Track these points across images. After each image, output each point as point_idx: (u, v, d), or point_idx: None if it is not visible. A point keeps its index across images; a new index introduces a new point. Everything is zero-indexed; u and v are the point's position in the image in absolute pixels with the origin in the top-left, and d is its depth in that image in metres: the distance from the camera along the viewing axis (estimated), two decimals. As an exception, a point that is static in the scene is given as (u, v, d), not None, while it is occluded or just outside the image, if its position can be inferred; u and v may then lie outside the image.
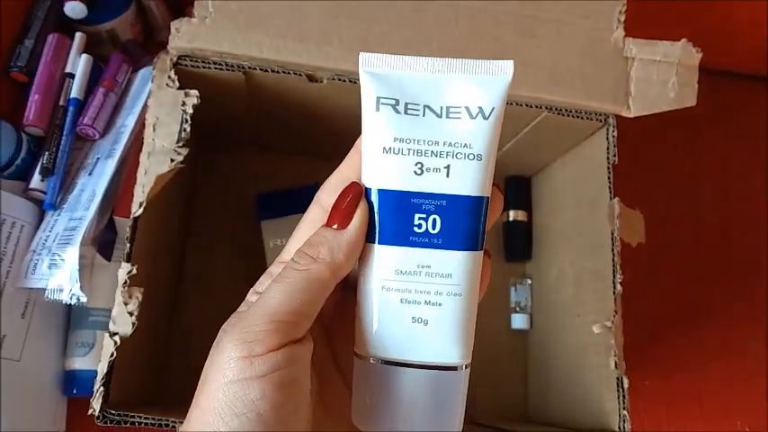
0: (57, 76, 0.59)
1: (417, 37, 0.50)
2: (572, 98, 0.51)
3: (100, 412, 0.42)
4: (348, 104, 0.52)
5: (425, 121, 0.29)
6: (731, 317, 0.74)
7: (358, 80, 0.30)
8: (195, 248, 0.65)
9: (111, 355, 0.42)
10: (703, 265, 0.76)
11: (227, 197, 0.66)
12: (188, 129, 0.46)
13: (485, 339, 0.54)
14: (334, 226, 0.29)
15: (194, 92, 0.47)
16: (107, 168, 0.54)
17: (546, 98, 0.51)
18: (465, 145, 0.29)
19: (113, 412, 0.42)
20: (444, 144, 0.29)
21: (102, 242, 0.54)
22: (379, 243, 0.29)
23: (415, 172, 0.29)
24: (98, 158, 0.56)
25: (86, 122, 0.57)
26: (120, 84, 0.60)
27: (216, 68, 0.49)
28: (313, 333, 0.29)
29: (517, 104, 0.51)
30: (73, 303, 0.50)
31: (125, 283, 0.43)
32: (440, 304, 0.29)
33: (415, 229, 0.29)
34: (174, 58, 0.48)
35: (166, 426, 0.42)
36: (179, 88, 0.47)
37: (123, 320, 0.43)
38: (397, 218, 0.29)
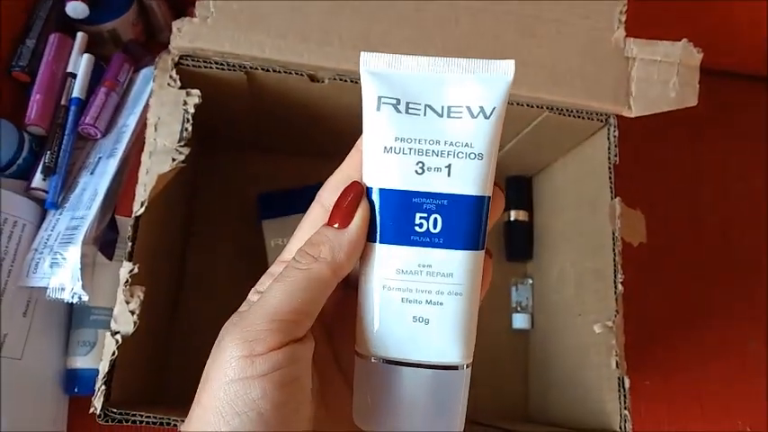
0: (58, 76, 0.59)
1: (418, 36, 0.50)
2: (573, 98, 0.51)
3: (101, 411, 0.42)
4: (349, 104, 0.52)
5: (426, 120, 0.29)
6: (731, 317, 0.74)
7: (359, 80, 0.30)
8: (196, 248, 0.65)
9: (113, 353, 0.42)
10: (703, 265, 0.76)
11: (229, 197, 0.66)
12: (189, 128, 0.46)
13: (486, 339, 0.54)
14: (336, 225, 0.29)
15: (196, 91, 0.47)
16: (109, 168, 0.54)
17: (547, 98, 0.51)
18: (466, 144, 0.29)
19: (115, 411, 0.42)
20: (445, 143, 0.29)
21: (104, 241, 0.54)
22: (381, 242, 0.29)
23: (416, 171, 0.29)
24: (100, 158, 0.56)
25: (88, 122, 0.57)
26: (122, 83, 0.60)
27: (217, 68, 0.49)
28: (314, 332, 0.29)
29: (518, 104, 0.51)
30: (74, 302, 0.50)
31: (126, 281, 0.43)
32: (441, 304, 0.29)
33: (416, 228, 0.29)
34: (176, 58, 0.48)
35: (168, 424, 0.42)
36: (180, 88, 0.47)
37: (125, 319, 0.43)
38: (398, 217, 0.29)
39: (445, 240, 0.29)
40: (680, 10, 0.72)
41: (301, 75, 0.49)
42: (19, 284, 0.52)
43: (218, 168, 0.67)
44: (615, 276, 0.51)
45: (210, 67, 0.49)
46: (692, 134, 0.80)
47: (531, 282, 0.69)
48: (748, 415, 0.72)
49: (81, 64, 0.60)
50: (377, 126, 0.29)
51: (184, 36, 0.47)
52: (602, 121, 0.53)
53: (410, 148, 0.29)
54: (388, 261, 0.29)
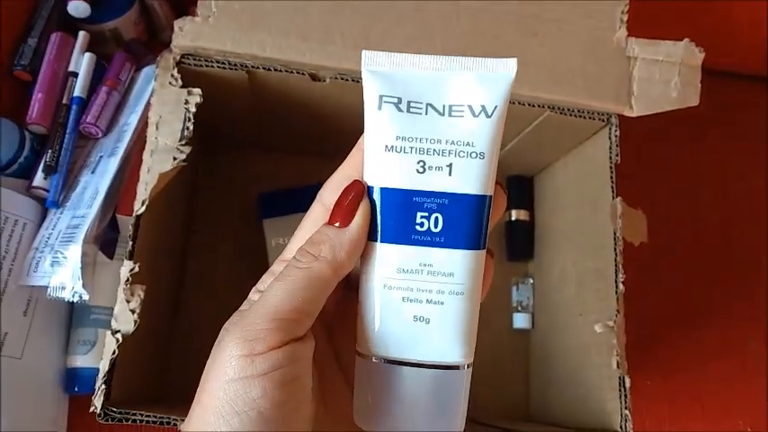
0: (60, 75, 0.59)
1: (419, 35, 0.50)
2: (574, 98, 0.51)
3: (101, 410, 0.42)
4: (351, 103, 0.52)
5: (428, 119, 0.29)
6: (731, 317, 0.74)
7: (360, 79, 0.30)
8: (197, 247, 0.65)
9: (113, 352, 0.42)
10: (704, 265, 0.76)
11: (230, 196, 0.66)
12: (191, 127, 0.46)
13: (487, 339, 0.54)
14: (336, 224, 0.29)
15: (197, 90, 0.47)
16: (110, 166, 0.54)
17: (548, 98, 0.51)
18: (467, 143, 0.29)
19: (115, 410, 0.42)
20: (447, 142, 0.29)
21: (105, 240, 0.54)
22: (381, 241, 0.29)
23: (418, 170, 0.29)
24: (101, 157, 0.56)
25: (89, 121, 0.57)
26: (124, 82, 0.60)
27: (219, 67, 0.49)
28: (314, 331, 0.29)
29: (519, 104, 0.51)
30: (75, 301, 0.50)
31: (127, 280, 0.43)
32: (442, 303, 0.29)
33: (417, 227, 0.29)
34: (178, 57, 0.48)
35: (168, 424, 0.42)
36: (182, 87, 0.47)
37: (125, 318, 0.43)
38: (399, 216, 0.29)
39: (446, 240, 0.29)
40: (680, 10, 0.72)
41: (303, 74, 0.49)
42: (19, 283, 0.52)
43: (220, 167, 0.67)
44: (616, 276, 0.51)
45: (212, 66, 0.49)
46: (694, 134, 0.80)
47: (531, 281, 0.69)
48: (748, 415, 0.72)
49: (82, 63, 0.60)
50: (378, 125, 0.29)
51: (186, 35, 0.47)
52: (603, 120, 0.53)
53: (411, 147, 0.29)
54: (389, 260, 0.29)
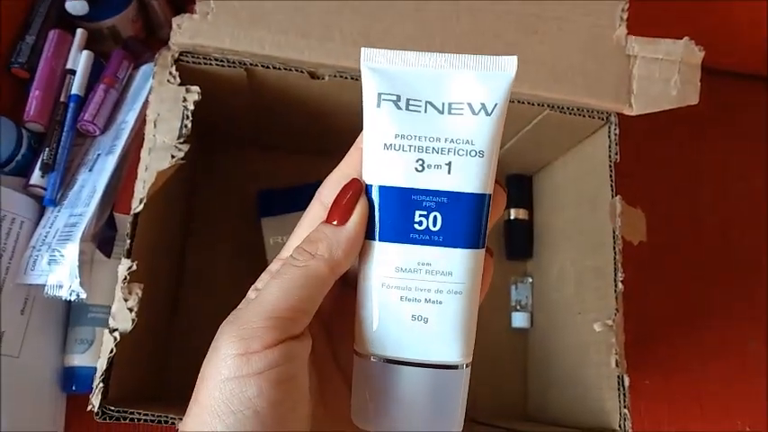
0: (57, 73, 0.59)
1: (419, 34, 0.50)
2: (574, 96, 0.51)
3: (99, 408, 0.42)
4: (350, 101, 0.52)
5: (427, 117, 0.29)
6: (731, 317, 0.74)
7: (359, 77, 0.30)
8: (195, 246, 0.64)
9: (111, 351, 0.42)
10: (704, 265, 0.76)
11: (228, 194, 0.66)
12: (189, 125, 0.46)
13: (485, 338, 0.54)
14: (334, 222, 0.29)
15: (195, 88, 0.47)
16: (107, 165, 0.54)
17: (548, 96, 0.51)
18: (467, 141, 0.28)
19: (113, 408, 0.42)
20: (446, 140, 0.28)
21: (102, 239, 0.54)
22: (380, 240, 0.29)
23: (416, 169, 0.28)
24: (98, 155, 0.56)
25: (87, 119, 0.57)
26: (121, 80, 0.60)
27: (217, 65, 0.48)
28: (312, 330, 0.29)
29: (519, 102, 0.51)
30: (72, 300, 0.50)
31: (125, 279, 0.43)
32: (440, 302, 0.29)
33: (416, 226, 0.28)
34: (176, 55, 0.48)
35: (166, 422, 0.42)
36: (180, 84, 0.47)
37: (123, 317, 0.43)
38: (397, 215, 0.29)
39: (445, 238, 0.28)
40: (680, 10, 0.72)
41: (301, 72, 0.49)
42: (17, 282, 0.52)
43: (218, 165, 0.67)
44: (615, 275, 0.51)
45: (210, 64, 0.48)
46: (693, 133, 0.80)
47: (530, 280, 0.69)
48: (748, 415, 0.72)
49: (80, 61, 0.60)
50: (377, 123, 0.29)
51: (184, 32, 0.47)
52: (602, 119, 0.53)
53: (410, 145, 0.29)
54: (387, 259, 0.29)
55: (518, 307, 0.68)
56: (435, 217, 0.28)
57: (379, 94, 0.29)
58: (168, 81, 0.47)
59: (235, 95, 0.53)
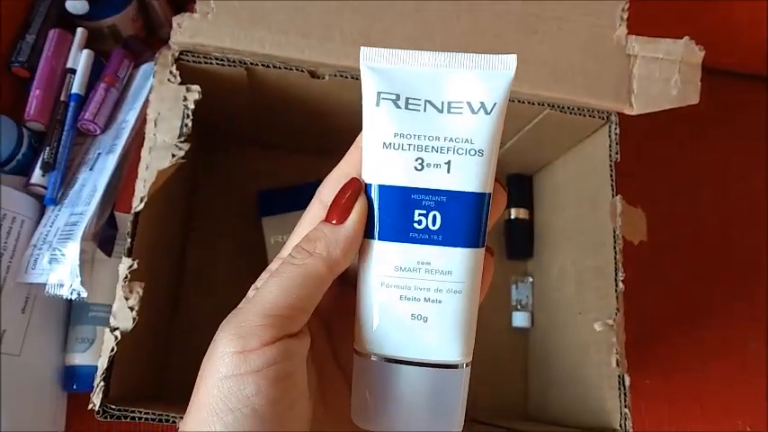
0: (58, 72, 0.59)
1: (419, 33, 0.50)
2: (574, 95, 0.51)
3: (100, 407, 0.42)
4: (350, 101, 0.52)
5: (426, 116, 0.29)
6: (731, 316, 0.74)
7: (360, 76, 0.30)
8: (196, 245, 0.64)
9: (112, 350, 0.42)
10: (704, 265, 0.76)
11: (229, 193, 0.66)
12: (189, 124, 0.46)
13: (485, 337, 0.54)
14: (333, 221, 0.29)
15: (196, 87, 0.47)
16: (108, 164, 0.54)
17: (548, 95, 0.51)
18: (466, 140, 0.28)
19: (113, 407, 0.42)
20: (445, 139, 0.28)
21: (103, 237, 0.54)
22: (379, 239, 0.29)
23: (416, 167, 0.28)
24: (99, 154, 0.56)
25: (87, 118, 0.57)
26: (122, 79, 0.60)
27: (218, 64, 0.48)
28: (313, 329, 0.29)
29: (519, 102, 0.51)
30: (73, 298, 0.50)
31: (126, 277, 0.43)
32: (439, 301, 0.29)
33: (415, 225, 0.28)
34: (176, 54, 0.48)
35: (167, 421, 0.42)
36: (180, 84, 0.47)
37: (124, 315, 0.43)
38: (396, 214, 0.29)
39: (444, 238, 0.28)
40: (680, 10, 0.72)
41: (302, 71, 0.49)
42: (17, 280, 0.52)
43: (218, 165, 0.67)
44: (616, 274, 0.51)
45: (211, 63, 0.48)
46: (694, 133, 0.80)
47: (531, 280, 0.69)
48: (748, 415, 0.72)
49: (80, 60, 0.60)
50: (376, 122, 0.29)
51: (185, 32, 0.47)
52: (603, 118, 0.53)
53: (409, 144, 0.28)
54: (387, 258, 0.29)
55: (518, 306, 0.68)
56: (435, 216, 0.28)
57: (379, 93, 0.29)
58: (169, 80, 0.47)
59: (235, 94, 0.53)
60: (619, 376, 0.50)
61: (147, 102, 0.48)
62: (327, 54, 0.48)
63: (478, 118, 0.29)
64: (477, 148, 0.28)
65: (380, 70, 0.29)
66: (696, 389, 0.71)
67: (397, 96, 0.29)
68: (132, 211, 0.45)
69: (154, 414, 0.42)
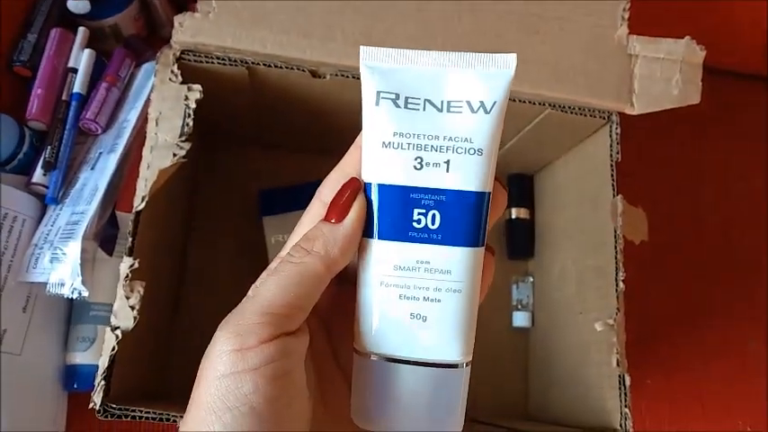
0: (59, 71, 0.59)
1: (421, 34, 0.50)
2: (575, 95, 0.51)
3: (101, 406, 0.42)
4: (351, 100, 0.52)
5: (426, 115, 0.29)
6: (732, 316, 0.74)
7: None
8: (197, 244, 0.65)
9: (113, 349, 0.42)
10: (704, 265, 0.76)
11: (230, 193, 0.66)
12: (191, 123, 0.46)
13: (486, 337, 0.54)
14: (332, 220, 0.29)
15: (197, 86, 0.47)
16: (109, 163, 0.54)
17: (549, 95, 0.51)
18: (466, 139, 0.28)
19: (114, 406, 0.42)
20: (444, 138, 0.28)
21: (104, 237, 0.54)
22: (378, 238, 0.29)
23: (415, 167, 0.28)
24: (100, 153, 0.56)
25: (89, 117, 0.57)
26: (123, 78, 0.60)
27: (219, 63, 0.48)
28: (313, 329, 0.29)
29: (520, 101, 0.51)
30: (74, 298, 0.50)
31: (127, 276, 0.43)
32: (439, 301, 0.29)
33: (414, 224, 0.28)
34: (177, 53, 0.48)
35: (167, 420, 0.42)
36: (182, 83, 0.47)
37: (125, 314, 0.43)
38: (395, 213, 0.29)
39: (444, 237, 0.28)
40: (681, 10, 0.72)
41: (303, 70, 0.49)
42: (19, 280, 0.52)
43: (220, 164, 0.67)
44: (616, 274, 0.51)
45: (212, 63, 0.48)
46: (695, 132, 0.80)
47: (531, 279, 0.69)
48: (749, 415, 0.72)
49: (82, 59, 0.60)
50: (376, 121, 0.29)
51: (186, 31, 0.47)
52: (604, 118, 0.53)
53: (409, 143, 0.28)
54: (386, 257, 0.29)
55: (519, 306, 0.68)
56: (434, 215, 0.28)
57: (378, 93, 0.29)
58: (170, 79, 0.47)
59: (236, 94, 0.53)
60: (619, 376, 0.50)
61: (148, 101, 0.48)
62: (329, 54, 0.48)
63: (478, 117, 0.29)
64: (477, 147, 0.28)
65: (380, 70, 0.29)
66: (697, 388, 0.71)
67: (397, 96, 0.29)
68: (133, 211, 0.45)
69: (155, 413, 0.42)
